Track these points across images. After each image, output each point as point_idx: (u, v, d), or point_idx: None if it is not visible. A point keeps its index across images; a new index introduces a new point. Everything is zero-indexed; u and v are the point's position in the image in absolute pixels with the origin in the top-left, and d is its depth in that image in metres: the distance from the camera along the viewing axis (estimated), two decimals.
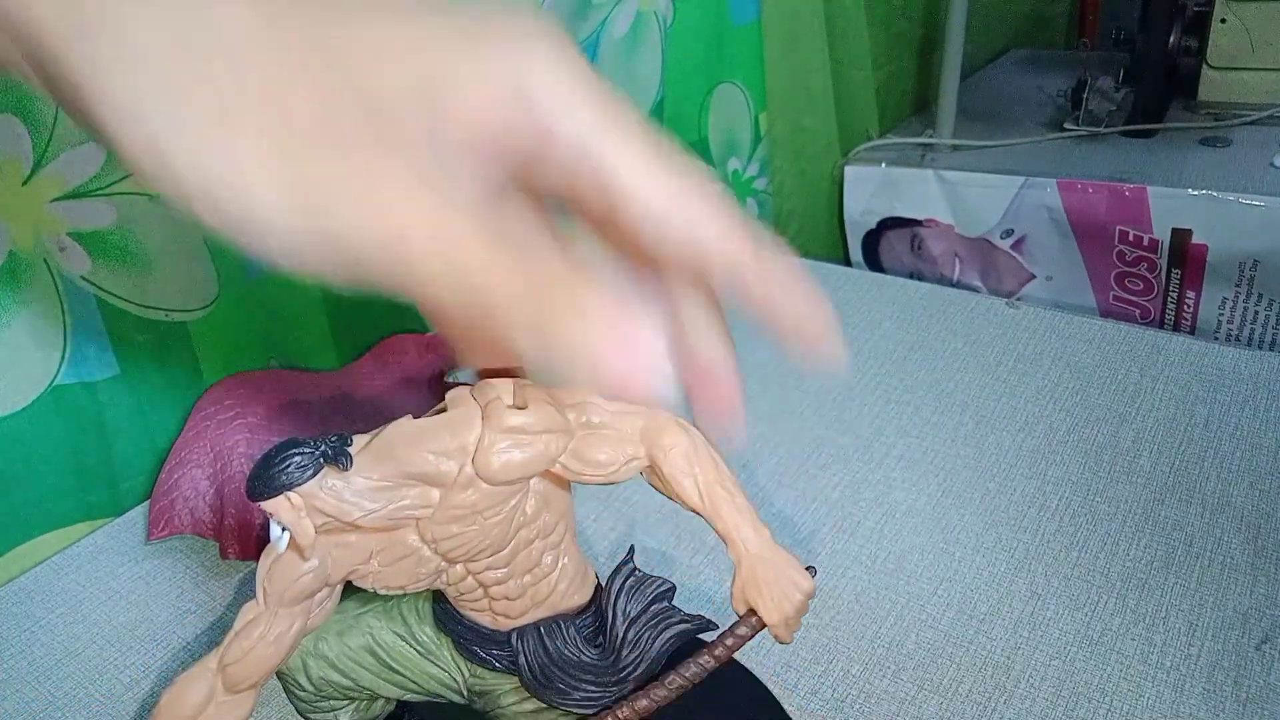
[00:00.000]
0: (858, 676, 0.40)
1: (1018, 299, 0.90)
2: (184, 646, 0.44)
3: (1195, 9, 0.97)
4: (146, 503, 0.51)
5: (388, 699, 0.31)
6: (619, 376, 0.19)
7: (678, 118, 0.87)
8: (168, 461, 0.50)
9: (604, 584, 0.27)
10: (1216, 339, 0.86)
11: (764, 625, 0.25)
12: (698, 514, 0.25)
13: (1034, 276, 0.96)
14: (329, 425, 0.52)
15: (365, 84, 0.18)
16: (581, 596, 0.28)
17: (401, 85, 0.18)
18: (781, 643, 0.25)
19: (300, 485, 0.22)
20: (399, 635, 0.29)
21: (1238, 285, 0.86)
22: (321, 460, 0.22)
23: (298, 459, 0.22)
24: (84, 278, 0.49)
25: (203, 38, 0.17)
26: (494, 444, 0.22)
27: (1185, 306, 0.89)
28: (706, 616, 0.27)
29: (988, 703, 0.38)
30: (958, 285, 0.99)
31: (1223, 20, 0.95)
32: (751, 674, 0.39)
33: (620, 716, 0.26)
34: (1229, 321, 0.88)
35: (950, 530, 0.47)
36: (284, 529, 0.22)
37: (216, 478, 0.49)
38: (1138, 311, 0.92)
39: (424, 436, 0.23)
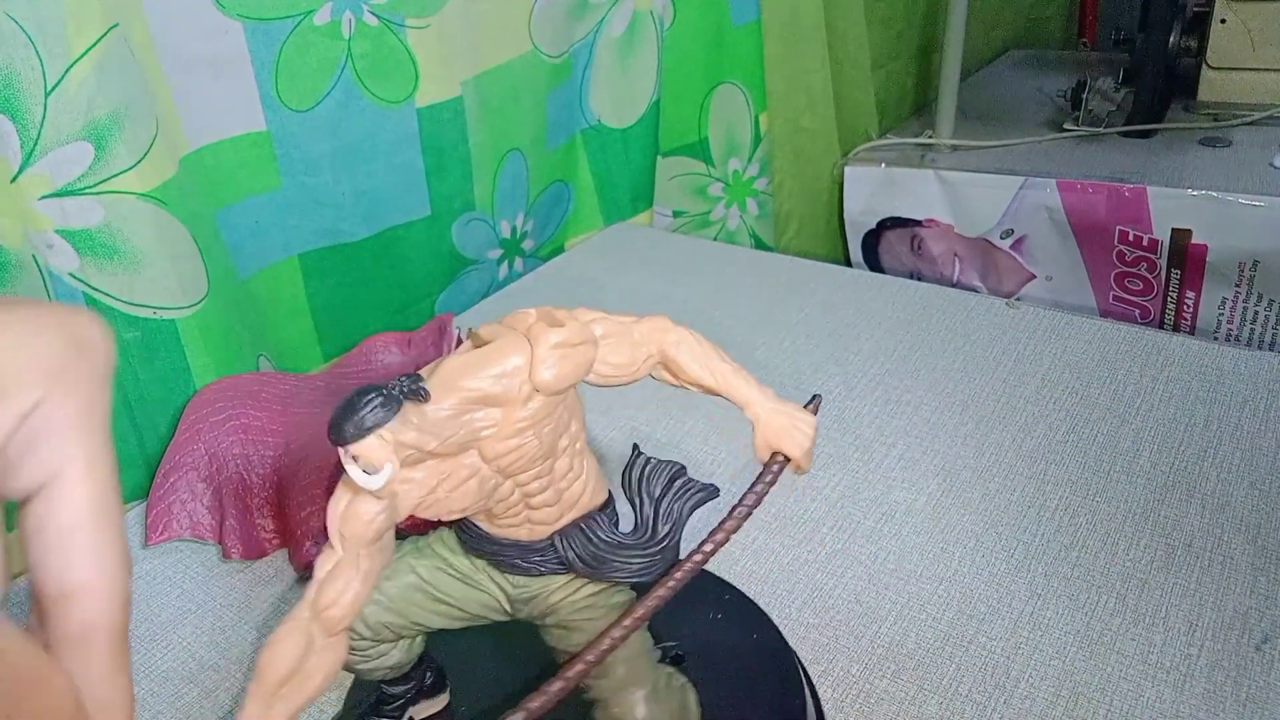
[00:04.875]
0: (858, 676, 0.40)
1: (1018, 299, 0.90)
2: (184, 646, 0.44)
3: (1195, 9, 0.97)
4: (144, 505, 0.51)
5: (423, 635, 0.34)
6: None
7: (677, 118, 0.87)
8: (161, 466, 0.50)
9: (621, 477, 0.31)
10: (1216, 339, 0.87)
11: (788, 462, 0.29)
12: (711, 391, 0.29)
13: (1034, 276, 0.96)
14: (320, 422, 0.53)
15: None
16: (601, 495, 0.31)
17: None
18: (802, 472, 0.30)
19: (388, 423, 0.23)
20: (439, 568, 0.31)
21: (1237, 285, 0.86)
22: (401, 397, 0.24)
23: (379, 399, 0.23)
24: (72, 275, 0.49)
25: None
26: (546, 358, 0.26)
27: (1185, 306, 0.89)
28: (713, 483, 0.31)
29: (988, 703, 0.38)
30: (958, 285, 0.99)
31: (1223, 20, 0.95)
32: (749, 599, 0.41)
33: (705, 551, 0.28)
34: (1229, 321, 0.88)
35: (950, 530, 0.47)
36: (368, 471, 0.23)
37: (213, 479, 0.49)
38: (1138, 311, 0.92)
39: (483, 364, 0.26)
